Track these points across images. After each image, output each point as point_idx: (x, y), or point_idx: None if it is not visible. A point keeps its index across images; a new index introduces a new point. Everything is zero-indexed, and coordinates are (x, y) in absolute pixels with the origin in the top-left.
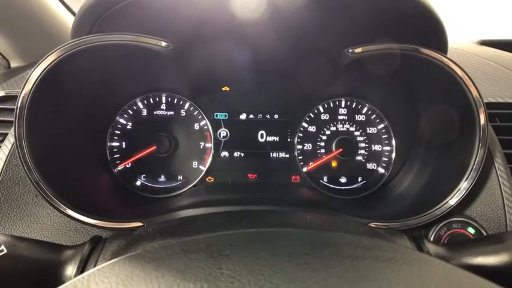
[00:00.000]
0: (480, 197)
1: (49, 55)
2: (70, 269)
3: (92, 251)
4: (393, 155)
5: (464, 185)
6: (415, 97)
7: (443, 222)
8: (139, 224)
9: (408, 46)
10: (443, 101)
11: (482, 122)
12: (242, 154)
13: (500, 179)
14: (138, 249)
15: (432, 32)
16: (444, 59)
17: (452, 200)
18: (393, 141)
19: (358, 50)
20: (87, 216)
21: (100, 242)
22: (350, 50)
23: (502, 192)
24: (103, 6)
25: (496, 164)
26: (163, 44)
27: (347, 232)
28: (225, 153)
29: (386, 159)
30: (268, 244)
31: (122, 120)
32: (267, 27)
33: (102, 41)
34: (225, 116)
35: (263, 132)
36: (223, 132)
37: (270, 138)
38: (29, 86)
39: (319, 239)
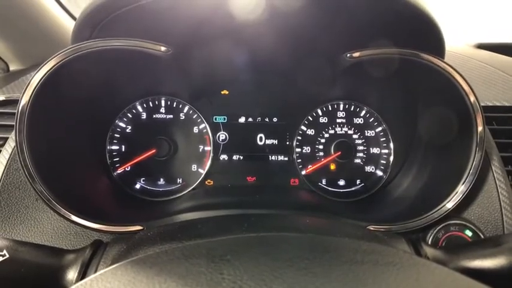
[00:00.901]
0: (477, 200)
1: (50, 60)
2: (71, 274)
3: (93, 256)
4: (391, 158)
5: (461, 188)
6: (413, 100)
7: (441, 225)
8: (140, 227)
9: (406, 51)
10: (440, 105)
11: (479, 126)
12: (241, 157)
13: (497, 181)
14: (140, 254)
15: (429, 35)
16: (442, 63)
17: (450, 203)
18: (391, 144)
19: (356, 54)
20: (89, 221)
21: (101, 246)
22: (348, 55)
23: (499, 195)
24: (104, 11)
25: (493, 167)
26: (163, 48)
27: (346, 236)
28: (224, 157)
29: (385, 162)
30: (269, 249)
31: (121, 124)
32: (265, 29)
33: (103, 46)
34: (224, 119)
35: (262, 135)
36: (222, 135)
37: (268, 141)
38: (29, 91)
39: (319, 244)
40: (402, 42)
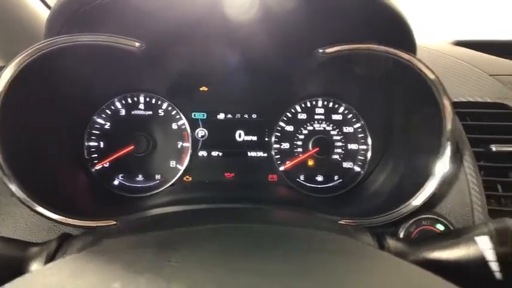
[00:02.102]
0: (449, 194)
1: (19, 56)
2: (35, 266)
3: (58, 248)
4: (369, 154)
5: (432, 183)
6: (388, 96)
7: (413, 220)
8: (112, 222)
9: (374, 46)
10: (412, 101)
11: (448, 120)
12: (220, 153)
13: (468, 176)
14: (102, 246)
15: (399, 31)
16: (409, 57)
17: (420, 198)
18: (369, 140)
19: (328, 50)
20: (56, 213)
21: (68, 239)
22: (321, 50)
23: (469, 190)
24: (75, 5)
25: (464, 162)
26: (137, 44)
27: (309, 228)
28: (202, 153)
29: (362, 158)
30: (221, 238)
31: (99, 120)
32: (238, 26)
33: (73, 41)
34: (203, 115)
35: (241, 131)
36: (201, 131)
37: (247, 138)
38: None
39: (272, 234)
40: (373, 38)
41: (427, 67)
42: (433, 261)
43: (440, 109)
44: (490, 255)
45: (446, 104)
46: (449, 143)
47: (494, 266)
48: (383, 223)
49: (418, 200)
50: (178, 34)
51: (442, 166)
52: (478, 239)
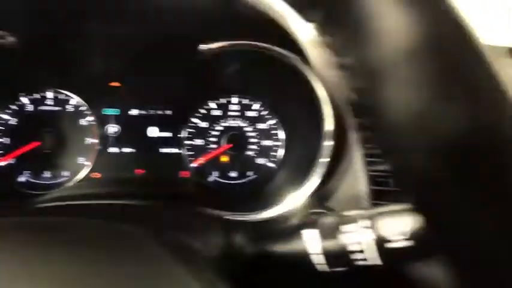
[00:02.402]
0: (339, 189)
1: None
2: None
3: None
4: (281, 150)
5: (313, 181)
6: (288, 94)
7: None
8: None
9: (253, 43)
10: (300, 99)
11: (328, 121)
12: (131, 150)
13: (356, 172)
14: None
15: (276, 29)
16: (288, 54)
17: (304, 194)
18: (282, 136)
19: (211, 46)
20: None
21: None
22: (203, 47)
23: (357, 185)
24: None
25: (354, 159)
26: (11, 39)
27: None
28: (112, 149)
29: (275, 154)
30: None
31: (4, 116)
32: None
33: None
34: (114, 111)
35: (154, 127)
36: (111, 128)
37: (160, 134)
38: None
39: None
40: (260, 36)
41: (308, 64)
42: (269, 253)
43: (319, 104)
44: (312, 247)
45: (326, 104)
46: (329, 142)
47: (317, 259)
48: (268, 218)
49: (304, 194)
50: (59, 26)
51: (326, 161)
52: (303, 231)
